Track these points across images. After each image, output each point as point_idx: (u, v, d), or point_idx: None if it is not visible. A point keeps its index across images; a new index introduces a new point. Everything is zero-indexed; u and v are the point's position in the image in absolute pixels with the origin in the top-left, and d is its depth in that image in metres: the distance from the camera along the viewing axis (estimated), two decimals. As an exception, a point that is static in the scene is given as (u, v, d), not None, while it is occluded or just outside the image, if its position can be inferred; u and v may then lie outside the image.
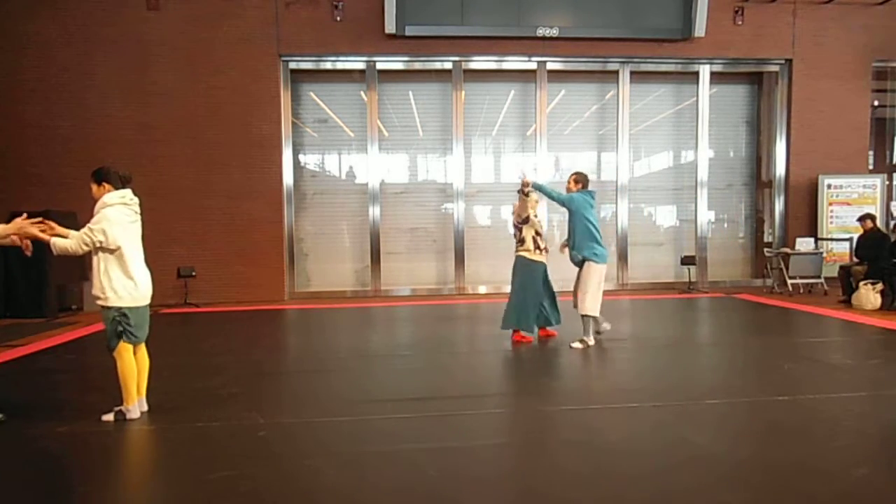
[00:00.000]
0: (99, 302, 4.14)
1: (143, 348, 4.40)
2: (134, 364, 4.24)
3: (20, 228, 3.93)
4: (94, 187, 4.19)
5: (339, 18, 10.30)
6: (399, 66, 10.92)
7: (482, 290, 11.26)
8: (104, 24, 10.00)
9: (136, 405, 4.26)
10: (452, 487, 3.15)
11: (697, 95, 11.38)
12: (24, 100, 9.92)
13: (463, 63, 10.91)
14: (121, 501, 3.20)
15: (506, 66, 11.13)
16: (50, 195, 9.21)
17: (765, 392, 4.75)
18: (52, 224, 4.06)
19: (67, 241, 4.01)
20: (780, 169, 11.53)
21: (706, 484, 3.15)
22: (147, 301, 4.34)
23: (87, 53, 10.01)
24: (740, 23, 10.96)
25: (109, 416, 4.22)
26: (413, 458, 3.51)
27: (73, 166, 9.27)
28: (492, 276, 11.41)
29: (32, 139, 9.91)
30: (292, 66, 10.67)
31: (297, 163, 10.99)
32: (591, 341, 6.37)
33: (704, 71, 11.31)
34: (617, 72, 11.21)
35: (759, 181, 12.04)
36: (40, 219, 4.05)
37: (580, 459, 3.56)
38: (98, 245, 4.01)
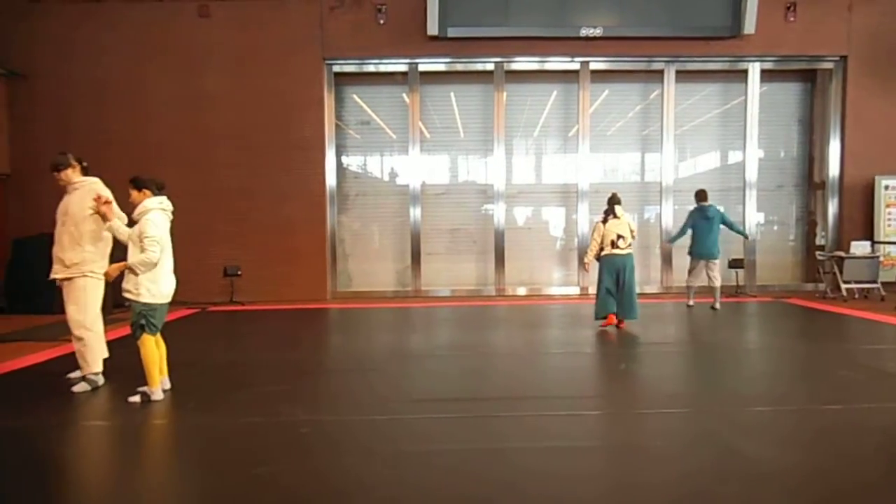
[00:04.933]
0: (129, 296, 4.54)
1: (159, 336, 4.77)
2: (156, 350, 4.63)
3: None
4: (134, 193, 4.64)
5: (382, 21, 10.40)
6: (441, 67, 10.96)
7: (521, 291, 11.20)
8: (158, 31, 10.36)
9: (159, 387, 4.61)
10: (488, 490, 3.14)
11: (746, 94, 11.06)
12: (81, 105, 10.35)
13: (505, 64, 10.88)
14: (167, 493, 3.31)
15: (548, 66, 11.05)
16: (105, 196, 9.59)
17: (815, 400, 4.60)
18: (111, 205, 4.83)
19: (138, 262, 4.47)
20: (833, 169, 11.11)
21: (751, 493, 3.06)
22: (169, 299, 4.75)
23: (142, 60, 10.38)
24: (792, 19, 10.61)
25: (136, 398, 4.55)
26: (451, 459, 3.52)
27: (127, 169, 9.55)
28: (532, 277, 11.36)
29: (89, 142, 10.31)
30: (336, 69, 10.83)
31: (339, 164, 11.15)
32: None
33: (754, 69, 10.98)
34: (662, 71, 11.00)
35: (811, 182, 11.63)
36: (105, 199, 4.85)
37: (621, 465, 3.51)
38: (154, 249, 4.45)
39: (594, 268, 7.56)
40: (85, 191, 5.07)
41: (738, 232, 9.39)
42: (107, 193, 5.12)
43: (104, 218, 4.87)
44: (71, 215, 5.06)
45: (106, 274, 4.62)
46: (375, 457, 3.57)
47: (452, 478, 3.28)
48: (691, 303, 9.25)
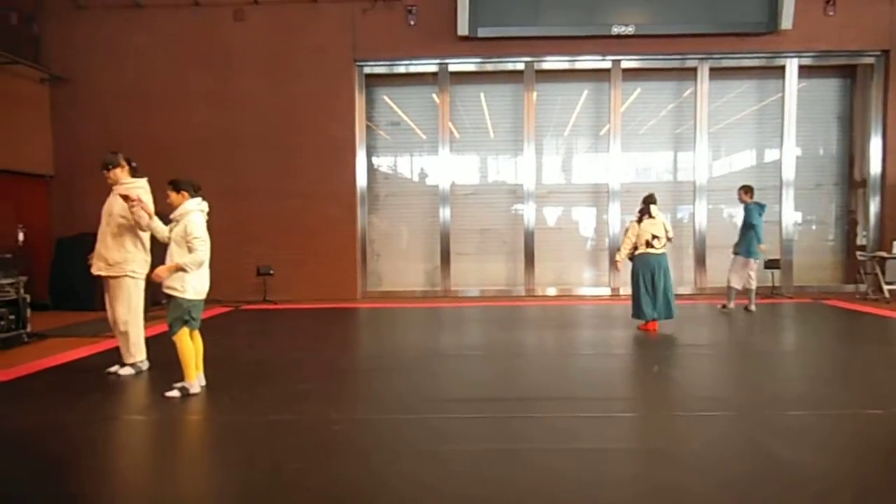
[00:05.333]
0: (175, 293, 4.68)
1: (197, 332, 4.91)
2: (191, 345, 4.79)
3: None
4: (173, 195, 4.80)
5: (412, 23, 10.46)
6: (471, 67, 10.97)
7: (551, 292, 11.14)
8: (194, 35, 10.60)
9: (196, 381, 4.77)
10: (515, 492, 3.14)
11: (783, 91, 10.80)
12: (121, 108, 10.63)
13: (535, 63, 10.83)
14: (200, 487, 3.39)
15: (579, 65, 10.97)
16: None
17: (855, 404, 4.47)
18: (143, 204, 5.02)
19: (189, 262, 4.62)
20: (875, 167, 10.79)
21: (786, 499, 3.00)
22: (205, 295, 4.91)
23: (179, 64, 10.63)
24: (831, 13, 10.33)
25: (174, 393, 4.71)
26: (483, 458, 3.52)
27: (165, 170, 9.78)
28: (562, 278, 11.28)
29: (129, 144, 10.55)
30: (367, 70, 10.92)
31: (370, 165, 11.24)
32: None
33: (792, 65, 10.72)
34: (695, 68, 10.82)
35: (851, 180, 11.31)
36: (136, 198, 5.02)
37: (653, 469, 3.47)
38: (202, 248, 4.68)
39: (625, 266, 7.54)
40: (128, 193, 5.24)
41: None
42: (148, 197, 5.31)
43: (139, 221, 5.07)
44: (115, 216, 5.27)
45: (156, 275, 4.73)
46: (404, 456, 3.59)
47: (480, 479, 3.28)
48: (732, 305, 8.78)
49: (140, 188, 5.37)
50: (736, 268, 8.77)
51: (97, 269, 5.34)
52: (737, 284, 8.75)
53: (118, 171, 5.34)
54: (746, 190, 8.71)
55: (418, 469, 3.40)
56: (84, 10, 10.57)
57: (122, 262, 5.26)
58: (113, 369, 5.44)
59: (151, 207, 5.20)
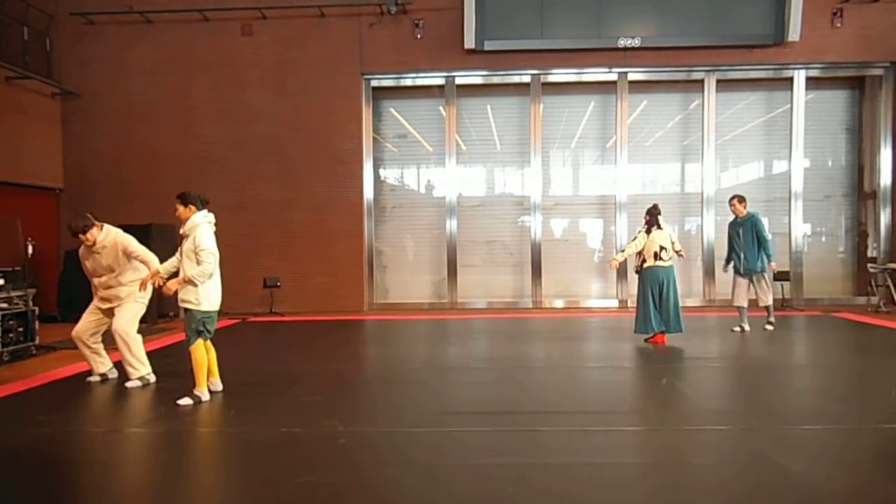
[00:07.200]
0: (189, 306, 4.76)
1: (209, 342, 5.00)
2: (205, 355, 4.92)
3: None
4: (181, 208, 4.86)
5: (419, 36, 10.53)
6: (478, 80, 11.01)
7: (559, 304, 11.09)
8: (203, 50, 10.72)
9: (206, 389, 4.90)
10: (528, 504, 3.10)
11: (792, 102, 10.78)
12: (133, 122, 10.75)
13: (542, 76, 10.86)
14: (205, 501, 3.36)
15: (585, 77, 10.99)
16: (151, 210, 9.87)
17: (869, 419, 4.40)
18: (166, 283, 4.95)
19: (196, 274, 4.68)
20: (885, 178, 10.72)
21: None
22: (219, 307, 5.01)
23: (188, 78, 10.74)
24: (839, 25, 10.32)
25: (187, 401, 4.77)
26: (489, 472, 3.48)
27: (173, 183, 9.88)
28: (569, 290, 11.23)
29: (138, 158, 10.69)
30: (374, 83, 10.98)
31: (377, 177, 11.27)
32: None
33: (799, 76, 10.70)
34: (702, 80, 10.82)
35: (861, 192, 11.24)
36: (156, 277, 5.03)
37: (662, 486, 3.42)
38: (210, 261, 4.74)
39: (624, 270, 7.37)
40: (112, 245, 5.37)
41: None
42: (124, 238, 5.39)
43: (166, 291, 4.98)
44: (115, 271, 5.41)
45: (167, 289, 4.81)
46: (409, 471, 3.55)
47: (493, 492, 3.23)
48: (747, 327, 8.00)
49: (116, 235, 5.44)
50: (743, 289, 7.91)
51: (104, 304, 5.50)
52: (744, 302, 7.96)
53: (94, 230, 5.37)
54: (741, 199, 7.94)
55: (423, 485, 3.35)
56: (95, 26, 10.72)
57: (126, 296, 5.44)
58: (93, 378, 5.57)
59: (140, 252, 5.38)
